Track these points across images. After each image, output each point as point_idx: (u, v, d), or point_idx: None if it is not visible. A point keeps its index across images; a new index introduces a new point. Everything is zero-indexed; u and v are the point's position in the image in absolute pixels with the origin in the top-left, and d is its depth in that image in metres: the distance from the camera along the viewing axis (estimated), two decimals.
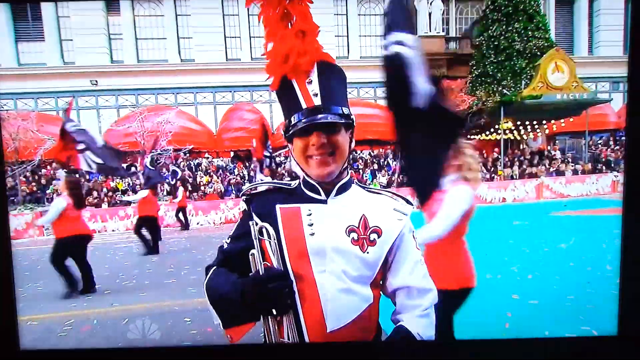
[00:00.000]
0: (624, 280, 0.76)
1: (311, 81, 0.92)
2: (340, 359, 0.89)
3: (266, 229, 0.94)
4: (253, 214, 0.98)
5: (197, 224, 9.99)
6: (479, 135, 14.15)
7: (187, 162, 12.89)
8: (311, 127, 0.90)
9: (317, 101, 0.91)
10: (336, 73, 0.97)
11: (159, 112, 12.69)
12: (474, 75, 14.20)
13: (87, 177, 11.41)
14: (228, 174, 12.62)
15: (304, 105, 0.91)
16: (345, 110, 0.94)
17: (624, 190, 0.74)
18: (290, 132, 0.93)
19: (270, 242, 0.93)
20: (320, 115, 0.89)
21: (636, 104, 0.74)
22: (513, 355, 0.83)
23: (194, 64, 14.55)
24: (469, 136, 13.72)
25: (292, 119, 0.92)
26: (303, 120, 0.90)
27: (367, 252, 0.93)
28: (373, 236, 0.95)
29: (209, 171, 12.54)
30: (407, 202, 1.05)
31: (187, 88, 14.58)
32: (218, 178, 12.11)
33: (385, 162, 13.69)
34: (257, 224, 0.95)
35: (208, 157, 13.66)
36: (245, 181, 12.03)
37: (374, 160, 13.85)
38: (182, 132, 12.93)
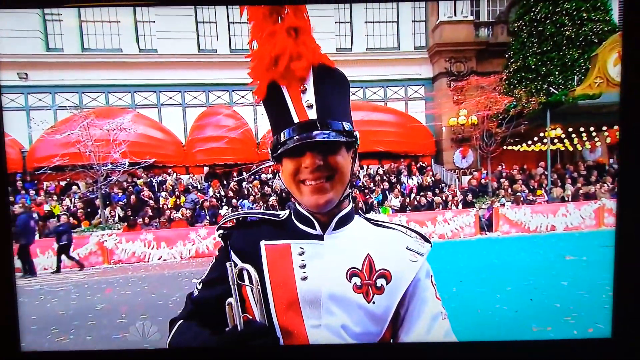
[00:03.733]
0: (617, 283, 0.95)
1: (306, 89, 0.94)
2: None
3: (247, 272, 0.96)
4: (231, 252, 1.00)
5: (159, 258, 9.92)
6: (519, 146, 14.21)
7: (148, 180, 12.87)
8: (305, 146, 0.92)
9: (313, 114, 0.93)
10: (336, 80, 0.99)
11: (111, 116, 12.68)
12: (511, 69, 14.35)
13: (14, 198, 11.35)
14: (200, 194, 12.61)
15: (296, 119, 0.93)
16: (347, 126, 0.96)
17: (618, 194, 0.93)
18: (279, 152, 0.95)
19: (252, 288, 0.95)
20: (316, 132, 0.92)
21: (631, 104, 0.91)
22: (509, 357, 1.00)
23: (157, 55, 14.63)
24: (505, 146, 13.79)
25: (282, 135, 0.94)
26: (295, 138, 0.92)
27: (373, 302, 0.94)
28: (380, 282, 0.97)
29: (175, 191, 12.52)
30: (424, 239, 1.06)
31: (148, 86, 14.63)
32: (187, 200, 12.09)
33: (398, 180, 13.69)
34: (235, 265, 0.96)
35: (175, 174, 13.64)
36: (223, 204, 12.01)
37: (384, 177, 13.87)
38: (141, 141, 12.94)
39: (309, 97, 0.94)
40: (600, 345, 0.98)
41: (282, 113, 0.95)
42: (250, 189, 12.78)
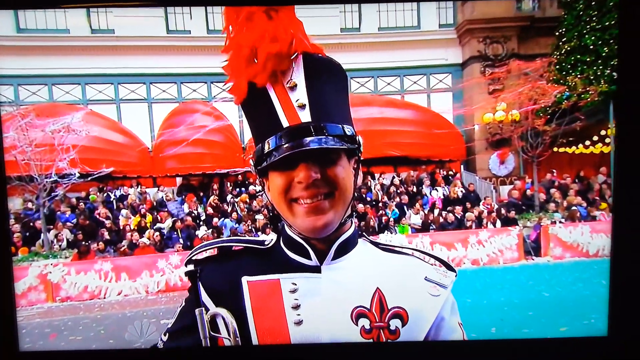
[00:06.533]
0: (613, 282, 1.19)
1: (295, 86, 0.94)
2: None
3: (223, 319, 0.95)
4: (203, 292, 0.99)
5: (119, 294, 9.85)
6: (573, 147, 14.16)
7: (104, 195, 12.85)
8: (297, 156, 0.92)
9: (305, 116, 0.94)
10: (333, 73, 1.00)
11: (56, 115, 12.63)
12: (563, 51, 14.33)
13: None
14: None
15: (285, 123, 0.93)
16: (348, 130, 0.96)
17: (612, 195, 1.14)
18: (265, 165, 0.96)
19: (230, 340, 0.95)
20: (310, 139, 0.92)
21: (625, 108, 1.13)
22: (505, 356, 1.18)
23: (114, 38, 14.63)
24: (556, 148, 13.70)
25: (267, 144, 0.94)
26: (285, 147, 0.92)
27: None
28: (394, 323, 0.97)
29: (140, 208, 12.49)
30: (447, 266, 1.07)
31: (103, 76, 14.65)
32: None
33: (419, 192, 13.61)
34: (207, 309, 0.96)
35: (138, 186, 13.61)
36: (200, 224, 11.97)
37: (401, 188, 13.79)
38: (95, 146, 12.92)
39: (300, 94, 0.94)
40: (596, 343, 1.19)
41: (267, 116, 0.95)
42: (235, 205, 12.71)
